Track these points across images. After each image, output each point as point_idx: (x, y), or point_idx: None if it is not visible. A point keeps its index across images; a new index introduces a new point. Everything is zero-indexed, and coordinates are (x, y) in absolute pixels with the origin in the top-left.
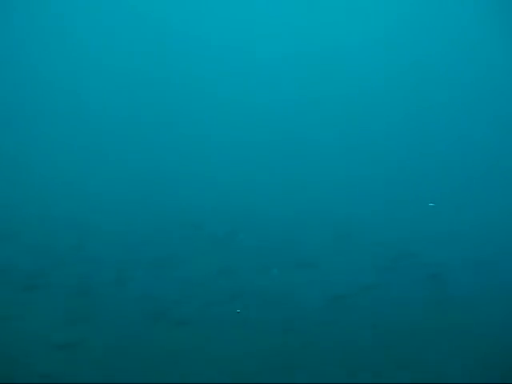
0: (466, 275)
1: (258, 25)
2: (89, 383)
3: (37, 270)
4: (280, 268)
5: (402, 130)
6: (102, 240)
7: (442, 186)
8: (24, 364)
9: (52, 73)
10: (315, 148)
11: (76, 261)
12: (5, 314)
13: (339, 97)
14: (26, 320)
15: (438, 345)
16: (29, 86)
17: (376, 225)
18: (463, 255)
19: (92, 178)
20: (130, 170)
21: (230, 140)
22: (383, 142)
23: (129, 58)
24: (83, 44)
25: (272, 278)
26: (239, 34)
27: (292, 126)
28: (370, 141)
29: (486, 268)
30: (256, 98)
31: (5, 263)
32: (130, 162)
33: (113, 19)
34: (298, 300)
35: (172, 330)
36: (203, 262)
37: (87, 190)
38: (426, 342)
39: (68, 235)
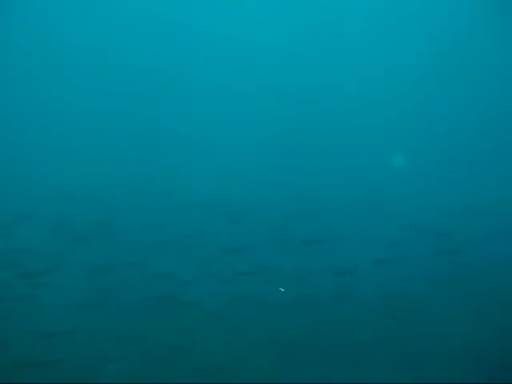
0: (485, 249)
1: (255, 16)
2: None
3: (56, 250)
4: (292, 245)
5: (423, 101)
6: (121, 220)
7: (459, 159)
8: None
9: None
10: (327, 123)
11: (96, 240)
12: (19, 295)
13: (348, 82)
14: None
15: (453, 322)
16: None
17: (392, 197)
18: (481, 229)
19: (114, 160)
20: (151, 152)
21: (244, 127)
22: (399, 117)
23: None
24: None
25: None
26: (235, 24)
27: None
28: (385, 113)
29: (505, 242)
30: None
31: (24, 243)
32: (151, 145)
33: (106, 18)
34: (311, 276)
35: (182, 309)
36: (217, 241)
37: (109, 172)
38: (441, 319)
39: (89, 215)
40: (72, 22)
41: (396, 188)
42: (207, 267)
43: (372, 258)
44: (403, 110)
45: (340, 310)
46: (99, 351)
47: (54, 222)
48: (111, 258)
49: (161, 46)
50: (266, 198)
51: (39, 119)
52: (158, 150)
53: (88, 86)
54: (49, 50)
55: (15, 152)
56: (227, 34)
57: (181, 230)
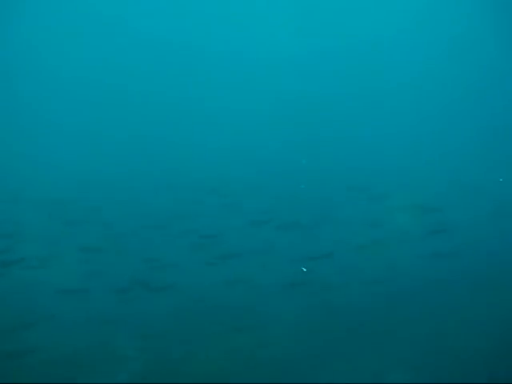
0: (479, 228)
1: None
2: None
3: (48, 234)
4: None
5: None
6: (117, 205)
7: (450, 139)
8: None
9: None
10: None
11: (86, 223)
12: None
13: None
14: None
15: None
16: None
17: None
18: (475, 208)
19: (111, 145)
20: (146, 138)
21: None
22: (393, 94)
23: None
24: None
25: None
26: None
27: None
28: (377, 95)
29: (499, 221)
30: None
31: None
32: (148, 131)
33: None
34: (294, 258)
35: (166, 293)
36: (204, 225)
37: (106, 157)
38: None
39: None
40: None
41: (387, 169)
42: (193, 251)
43: (366, 238)
44: (397, 86)
45: (327, 293)
46: (83, 337)
47: (49, 205)
48: (100, 242)
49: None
50: (254, 180)
51: (38, 99)
52: (152, 136)
53: (92, 63)
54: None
55: (13, 134)
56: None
57: (170, 214)
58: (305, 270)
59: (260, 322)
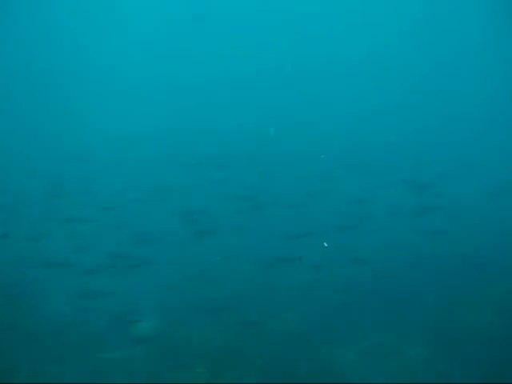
0: (472, 206)
1: None
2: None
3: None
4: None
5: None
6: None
7: (446, 116)
8: None
9: None
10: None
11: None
12: None
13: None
14: None
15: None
16: None
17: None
18: (475, 186)
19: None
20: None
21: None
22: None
23: None
24: None
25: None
26: None
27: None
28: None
29: (497, 200)
30: None
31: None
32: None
33: None
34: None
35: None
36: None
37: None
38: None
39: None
40: None
41: (382, 145)
42: (183, 225)
43: (359, 214)
44: (394, 62)
45: (321, 269)
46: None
47: (40, 177)
48: (87, 214)
49: None
50: (246, 155)
51: (42, 76)
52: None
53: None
54: None
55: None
56: None
57: (159, 186)
58: (326, 245)
59: (254, 298)
